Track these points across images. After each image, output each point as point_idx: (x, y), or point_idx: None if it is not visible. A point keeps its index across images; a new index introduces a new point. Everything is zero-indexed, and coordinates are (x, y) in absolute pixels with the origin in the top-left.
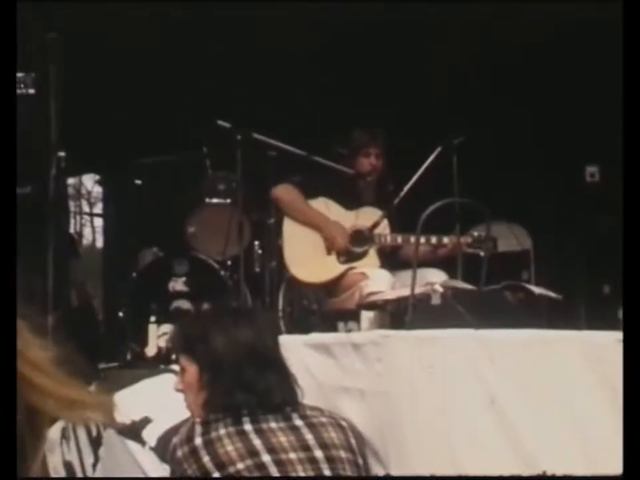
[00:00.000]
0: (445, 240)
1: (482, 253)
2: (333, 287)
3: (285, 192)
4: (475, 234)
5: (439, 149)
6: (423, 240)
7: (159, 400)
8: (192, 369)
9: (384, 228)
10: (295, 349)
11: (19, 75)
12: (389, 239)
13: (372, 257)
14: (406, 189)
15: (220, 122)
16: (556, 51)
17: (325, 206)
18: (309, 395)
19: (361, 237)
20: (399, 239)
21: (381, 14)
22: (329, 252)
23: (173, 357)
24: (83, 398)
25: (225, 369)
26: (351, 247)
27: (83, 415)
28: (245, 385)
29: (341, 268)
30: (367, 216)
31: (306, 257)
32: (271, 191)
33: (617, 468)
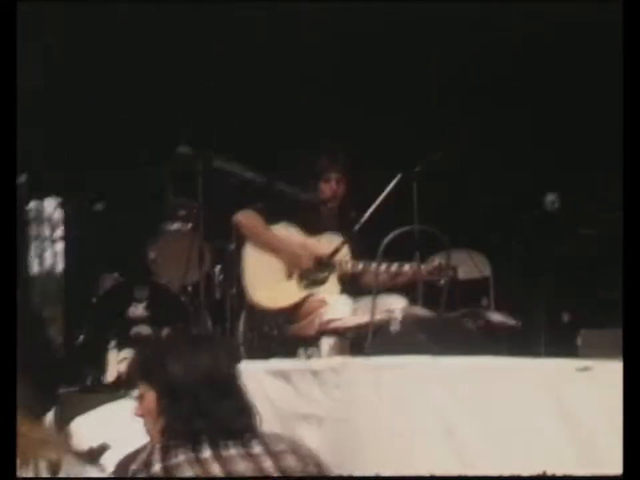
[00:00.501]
0: (406, 267)
1: (442, 281)
2: (294, 312)
3: (246, 218)
4: (436, 262)
5: (399, 176)
6: (383, 267)
7: (118, 426)
8: (150, 395)
9: (345, 254)
10: (255, 375)
11: None
12: (349, 265)
13: (332, 283)
14: (366, 215)
15: (181, 148)
16: (521, 80)
17: (285, 231)
18: (268, 422)
19: (322, 263)
20: (360, 266)
21: (339, 44)
22: (289, 278)
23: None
24: (35, 436)
25: (182, 396)
26: (312, 272)
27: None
28: (203, 411)
29: (302, 294)
30: (328, 242)
31: (266, 282)
32: (232, 217)
33: (617, 468)
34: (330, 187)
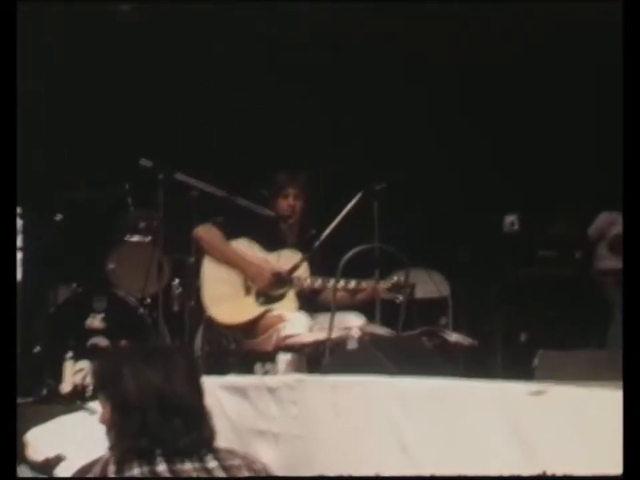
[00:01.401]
0: (364, 284)
1: (400, 299)
2: (251, 328)
3: (206, 232)
4: (394, 279)
5: (360, 194)
6: (341, 284)
7: (74, 437)
8: (107, 407)
9: (303, 271)
10: (211, 390)
11: None
12: (308, 282)
13: (290, 300)
14: (326, 233)
15: (143, 161)
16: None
17: (245, 247)
18: (224, 437)
19: (280, 279)
20: (318, 282)
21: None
22: (247, 293)
23: (89, 393)
24: None
25: (131, 412)
26: (271, 288)
27: None
28: (149, 430)
29: (259, 309)
30: (287, 258)
31: (224, 297)
32: (192, 231)
33: (617, 468)
34: (288, 203)
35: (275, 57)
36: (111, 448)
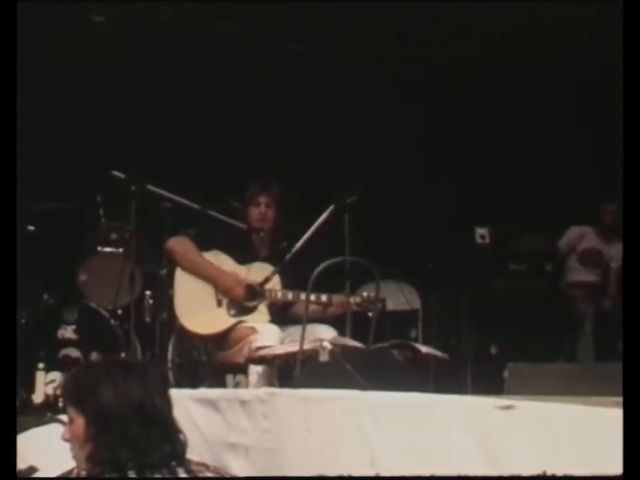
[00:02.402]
0: (335, 298)
1: (370, 314)
2: (223, 339)
3: (178, 244)
4: (365, 294)
5: (331, 207)
6: (313, 297)
7: (46, 449)
8: (79, 420)
9: (275, 283)
10: (182, 403)
11: None
12: (279, 294)
13: (262, 312)
14: (298, 245)
15: (115, 172)
16: (457, 113)
17: (217, 259)
18: (195, 450)
19: (252, 292)
20: (290, 295)
21: (276, 71)
22: (219, 304)
23: (60, 405)
24: None
25: (111, 424)
26: (242, 300)
27: None
28: (129, 441)
29: (231, 321)
30: (259, 271)
31: (196, 308)
32: (164, 243)
33: (617, 468)
34: (259, 211)
35: (249, 67)
36: (88, 460)
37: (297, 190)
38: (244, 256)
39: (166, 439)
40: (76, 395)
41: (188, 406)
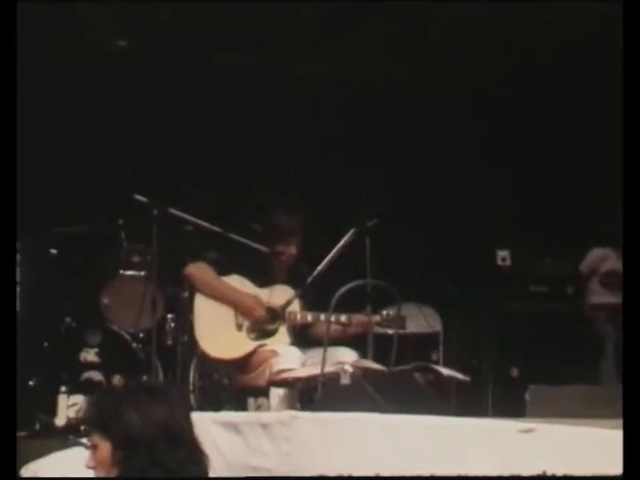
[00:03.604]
0: (355, 318)
1: (390, 331)
2: (244, 363)
3: (197, 270)
4: (384, 312)
5: (352, 230)
6: (332, 318)
7: (70, 473)
8: (105, 446)
9: (295, 306)
10: (204, 426)
11: None
12: (299, 316)
13: (282, 335)
14: (319, 268)
15: (137, 196)
16: (478, 135)
17: (238, 283)
18: (217, 473)
19: (272, 314)
20: (309, 317)
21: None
22: (239, 329)
23: (82, 428)
24: None
25: (138, 447)
26: (263, 323)
27: None
28: (158, 462)
29: (252, 345)
30: (279, 294)
31: (216, 332)
32: (185, 267)
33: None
34: (288, 249)
35: (269, 90)
36: None
37: (317, 212)
38: (263, 278)
39: (192, 460)
40: (100, 420)
41: (210, 429)
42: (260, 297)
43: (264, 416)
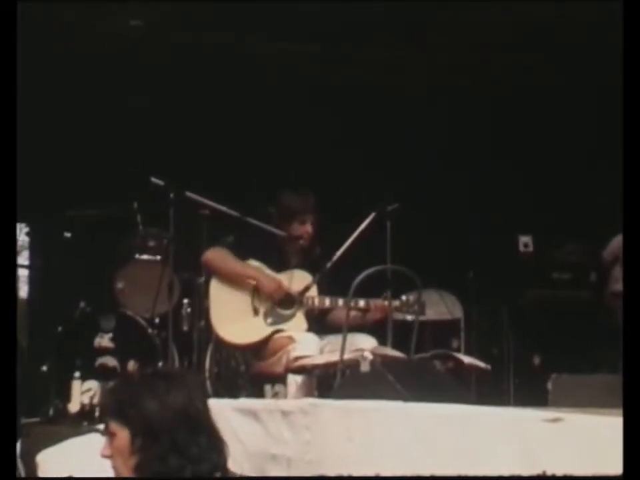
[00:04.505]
0: (373, 304)
1: (410, 317)
2: (261, 349)
3: (215, 253)
4: (404, 297)
5: (373, 215)
6: (351, 304)
7: (85, 459)
8: (123, 434)
9: (312, 291)
10: (223, 413)
11: None
12: (316, 301)
13: (299, 320)
14: (338, 253)
15: (153, 179)
16: (500, 123)
17: (256, 268)
18: (236, 461)
19: (290, 300)
20: (327, 302)
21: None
22: (255, 313)
23: (97, 414)
24: None
25: (158, 434)
26: (279, 309)
27: None
28: (179, 449)
29: (268, 330)
30: (297, 279)
31: (232, 318)
32: (202, 250)
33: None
34: (304, 229)
35: (284, 76)
36: (136, 472)
37: (333, 197)
38: (278, 263)
39: (213, 447)
40: (118, 408)
41: (228, 416)
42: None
43: (284, 403)
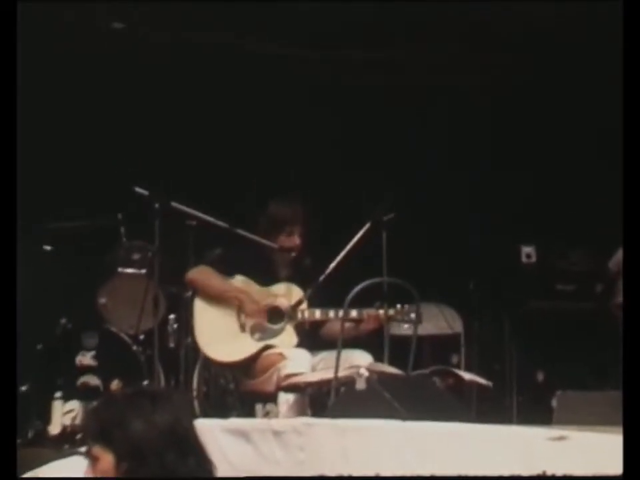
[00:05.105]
0: (366, 314)
1: (406, 326)
2: (250, 367)
3: (198, 272)
4: (399, 306)
5: (367, 225)
6: (341, 315)
7: None
8: (107, 458)
9: (303, 303)
10: (212, 433)
11: None
12: (307, 314)
13: (289, 334)
14: (332, 265)
15: (138, 189)
16: (500, 131)
17: (242, 284)
18: None
19: (278, 314)
20: (318, 314)
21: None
22: (242, 329)
23: (79, 436)
24: None
25: (144, 456)
26: (268, 323)
27: None
28: (168, 472)
29: (257, 346)
30: (284, 291)
31: (218, 334)
32: (189, 264)
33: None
34: (291, 240)
35: (273, 82)
36: None
37: (330, 200)
38: (268, 276)
39: (201, 468)
40: (102, 431)
41: (217, 437)
42: (263, 296)
43: (276, 423)
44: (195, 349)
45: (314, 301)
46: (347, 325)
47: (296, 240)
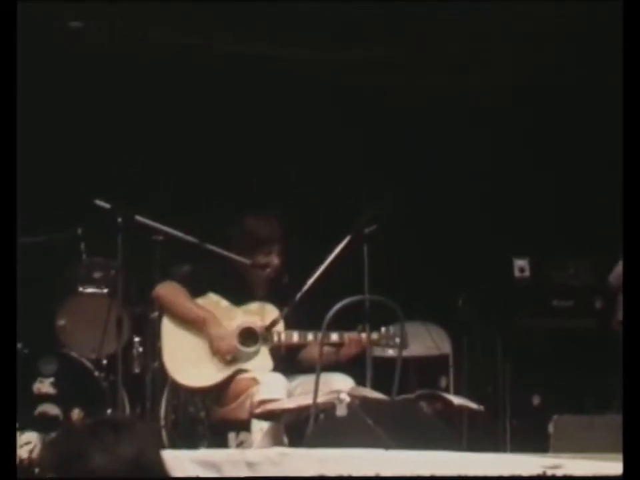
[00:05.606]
0: (347, 337)
1: (391, 351)
2: (221, 393)
3: (166, 290)
4: (383, 329)
5: (348, 238)
6: (319, 337)
7: None
8: None
9: (278, 325)
10: (181, 465)
11: None
12: (283, 336)
13: (263, 358)
14: (309, 283)
15: (98, 201)
16: (487, 139)
17: (213, 303)
18: None
19: (252, 335)
20: (295, 337)
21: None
22: (214, 353)
23: (37, 471)
24: None
25: None
26: (240, 346)
27: None
28: None
29: (228, 371)
30: (258, 312)
31: (187, 359)
32: (155, 283)
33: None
34: (268, 259)
35: (273, 81)
36: None
37: (301, 221)
38: (242, 295)
39: None
40: (61, 464)
41: (187, 468)
42: (236, 317)
43: (250, 453)
44: (162, 373)
45: (290, 321)
46: (327, 349)
47: (274, 259)
